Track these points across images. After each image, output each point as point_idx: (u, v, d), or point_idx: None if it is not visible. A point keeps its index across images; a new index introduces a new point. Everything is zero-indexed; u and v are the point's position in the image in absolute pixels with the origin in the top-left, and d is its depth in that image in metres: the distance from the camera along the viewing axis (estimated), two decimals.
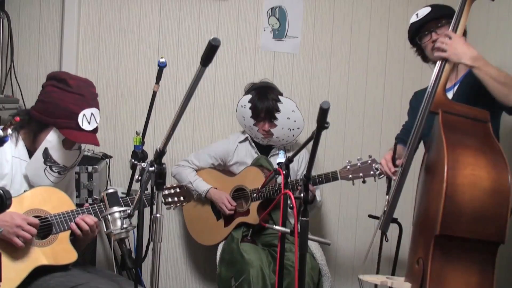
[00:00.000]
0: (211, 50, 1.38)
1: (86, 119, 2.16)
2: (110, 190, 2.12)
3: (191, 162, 3.21)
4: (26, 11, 3.39)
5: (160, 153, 1.61)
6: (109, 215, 2.10)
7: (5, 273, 1.98)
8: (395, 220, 2.67)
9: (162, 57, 2.73)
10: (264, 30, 3.51)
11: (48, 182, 2.21)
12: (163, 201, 2.30)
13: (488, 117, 2.05)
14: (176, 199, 2.32)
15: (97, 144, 2.21)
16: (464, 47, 2.09)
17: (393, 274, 2.77)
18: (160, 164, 1.62)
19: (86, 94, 2.20)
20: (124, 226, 2.07)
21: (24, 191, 2.19)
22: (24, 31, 3.40)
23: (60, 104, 2.15)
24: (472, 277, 1.88)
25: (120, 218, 2.07)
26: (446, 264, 1.90)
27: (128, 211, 2.07)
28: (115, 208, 2.09)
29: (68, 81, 2.18)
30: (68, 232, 2.17)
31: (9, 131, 1.48)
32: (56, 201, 2.18)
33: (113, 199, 2.10)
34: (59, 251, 2.14)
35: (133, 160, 2.67)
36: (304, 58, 3.55)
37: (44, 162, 2.18)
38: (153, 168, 1.61)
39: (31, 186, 2.22)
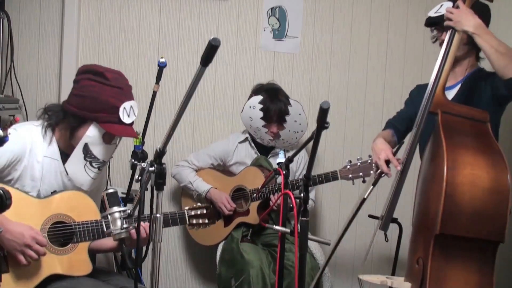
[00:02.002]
0: (211, 50, 1.37)
1: (126, 112, 2.12)
2: (110, 190, 2.11)
3: (191, 162, 3.21)
4: (26, 11, 3.39)
5: (160, 153, 1.61)
6: (109, 215, 2.10)
7: (20, 276, 2.00)
8: (395, 220, 2.67)
9: (162, 57, 2.73)
10: (264, 30, 3.51)
11: (88, 178, 2.17)
12: (188, 222, 2.26)
13: (488, 117, 2.06)
14: (201, 221, 2.27)
15: (135, 136, 2.20)
16: (469, 16, 2.09)
17: (393, 274, 2.77)
18: (160, 164, 1.61)
19: (123, 87, 2.15)
20: (124, 226, 2.07)
21: (54, 191, 2.17)
22: (24, 31, 3.40)
23: (100, 98, 2.09)
24: (472, 276, 1.89)
25: (120, 218, 2.08)
26: (446, 263, 1.90)
27: (128, 211, 2.07)
28: (115, 208, 2.09)
29: (106, 74, 2.12)
30: (88, 242, 2.14)
31: (9, 131, 1.47)
32: (83, 208, 2.15)
33: (113, 199, 2.10)
34: (76, 262, 2.11)
35: (133, 160, 2.66)
36: (304, 58, 3.55)
37: (84, 158, 2.14)
38: (153, 168, 1.61)
39: (62, 186, 2.20)
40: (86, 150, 2.13)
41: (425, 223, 2.01)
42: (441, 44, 2.42)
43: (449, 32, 2.15)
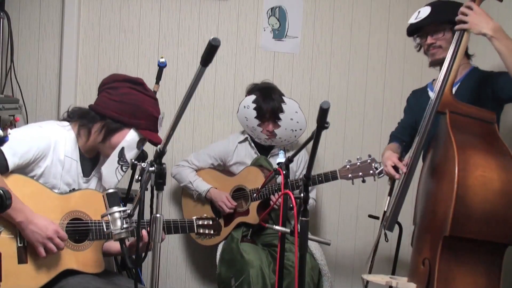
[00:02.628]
0: (211, 50, 1.37)
1: (160, 121, 2.30)
2: (110, 190, 2.11)
3: (191, 162, 3.21)
4: (26, 11, 3.39)
5: (160, 153, 1.62)
6: (109, 215, 2.10)
7: (37, 268, 2.06)
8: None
9: (162, 57, 2.74)
10: (264, 30, 3.51)
11: (116, 181, 2.27)
12: (195, 231, 2.36)
13: (495, 118, 2.04)
14: (207, 231, 2.37)
15: None
16: (486, 18, 2.07)
17: (393, 273, 2.77)
18: (160, 164, 1.62)
19: (156, 98, 2.31)
20: (124, 226, 2.07)
21: (73, 189, 2.22)
22: (24, 31, 3.40)
23: (142, 106, 2.22)
24: (479, 278, 1.87)
25: (120, 218, 2.08)
26: (454, 265, 1.89)
27: (128, 211, 2.07)
28: (115, 208, 2.09)
29: (145, 86, 2.28)
30: (103, 241, 2.20)
31: (9, 131, 1.47)
32: (101, 207, 2.16)
33: (113, 199, 2.10)
34: (90, 259, 2.17)
35: (133, 160, 2.67)
36: (304, 58, 3.55)
37: (118, 162, 2.23)
38: (153, 168, 1.61)
39: (78, 187, 2.25)
40: (121, 154, 2.22)
41: (431, 224, 2.00)
42: (425, 52, 2.43)
43: (457, 32, 2.13)
